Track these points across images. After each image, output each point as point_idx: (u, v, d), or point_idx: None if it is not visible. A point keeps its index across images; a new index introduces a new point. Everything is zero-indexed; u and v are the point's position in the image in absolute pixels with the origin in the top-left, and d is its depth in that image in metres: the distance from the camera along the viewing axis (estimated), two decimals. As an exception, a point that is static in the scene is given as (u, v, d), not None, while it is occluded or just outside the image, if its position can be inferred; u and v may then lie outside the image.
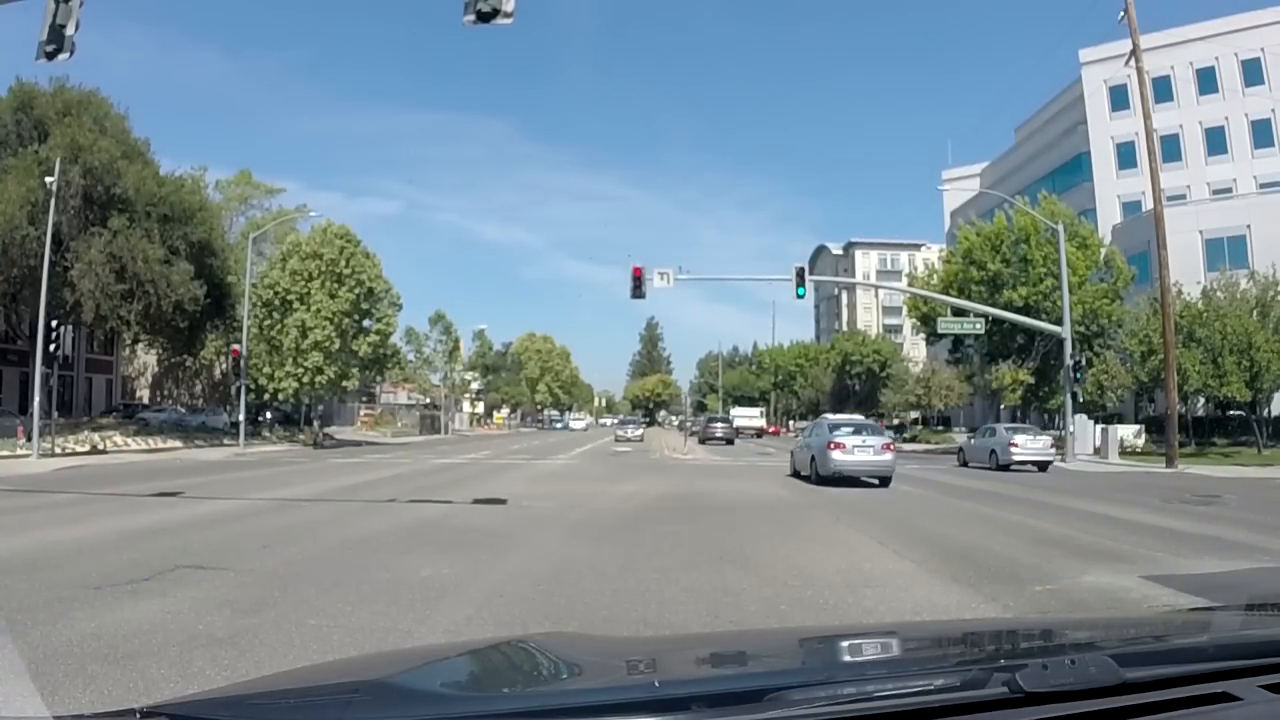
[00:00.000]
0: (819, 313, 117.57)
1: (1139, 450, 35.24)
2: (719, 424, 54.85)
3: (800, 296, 30.82)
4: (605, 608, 6.47)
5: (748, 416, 73.50)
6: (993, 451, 27.74)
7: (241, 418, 37.18)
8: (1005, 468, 26.43)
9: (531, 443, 50.12)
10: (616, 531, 11.05)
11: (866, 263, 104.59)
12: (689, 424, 73.91)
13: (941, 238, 70.54)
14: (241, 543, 9.52)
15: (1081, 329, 36.61)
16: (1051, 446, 28.10)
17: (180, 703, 1.51)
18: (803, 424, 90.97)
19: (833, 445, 19.22)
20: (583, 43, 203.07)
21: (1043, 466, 26.73)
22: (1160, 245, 29.24)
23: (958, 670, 1.61)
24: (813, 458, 20.05)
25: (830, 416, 24.38)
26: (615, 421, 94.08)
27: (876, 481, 19.17)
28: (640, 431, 44.39)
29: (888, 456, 19.25)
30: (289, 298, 41.64)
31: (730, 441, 50.14)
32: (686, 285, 38.22)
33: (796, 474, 21.60)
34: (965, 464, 29.24)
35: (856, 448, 19.19)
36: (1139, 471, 26.51)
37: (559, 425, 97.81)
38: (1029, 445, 27.16)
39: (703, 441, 50.00)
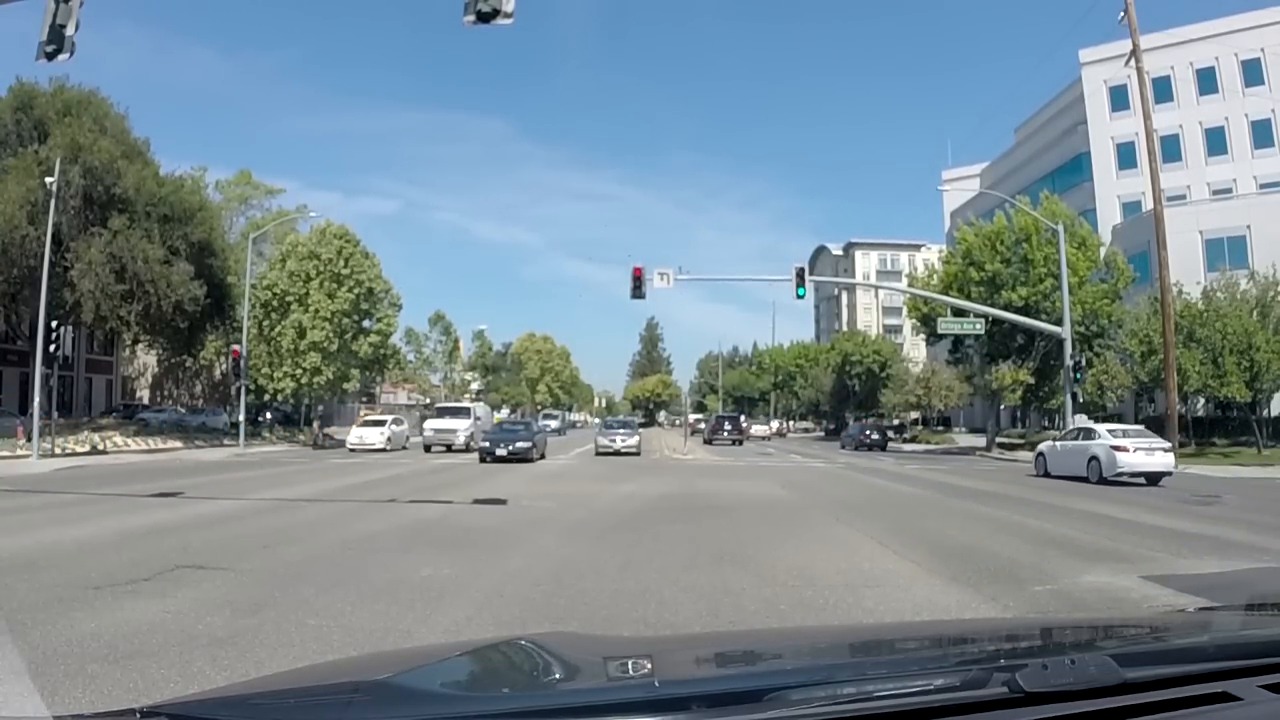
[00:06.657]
0: (819, 313, 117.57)
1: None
2: (727, 422, 52.52)
3: (800, 297, 30.86)
4: (605, 608, 6.47)
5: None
6: (1093, 459, 21.39)
7: (241, 418, 37.21)
8: (1109, 482, 20.50)
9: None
10: (616, 531, 11.05)
11: (866, 263, 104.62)
12: (689, 423, 73.36)
13: (941, 238, 70.48)
14: (241, 543, 9.53)
15: (1081, 329, 36.55)
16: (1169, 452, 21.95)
17: (180, 703, 1.51)
18: (804, 424, 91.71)
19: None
20: (581, 41, 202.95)
21: (1154, 479, 20.87)
22: (1160, 245, 29.26)
23: (958, 670, 1.61)
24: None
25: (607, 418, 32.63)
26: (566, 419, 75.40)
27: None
28: (635, 439, 36.15)
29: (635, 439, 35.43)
30: (286, 298, 41.62)
31: (739, 442, 48.02)
32: (686, 285, 38.16)
33: None
34: (1046, 474, 23.06)
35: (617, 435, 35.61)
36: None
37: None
38: (1142, 453, 20.80)
39: (708, 441, 48.06)
